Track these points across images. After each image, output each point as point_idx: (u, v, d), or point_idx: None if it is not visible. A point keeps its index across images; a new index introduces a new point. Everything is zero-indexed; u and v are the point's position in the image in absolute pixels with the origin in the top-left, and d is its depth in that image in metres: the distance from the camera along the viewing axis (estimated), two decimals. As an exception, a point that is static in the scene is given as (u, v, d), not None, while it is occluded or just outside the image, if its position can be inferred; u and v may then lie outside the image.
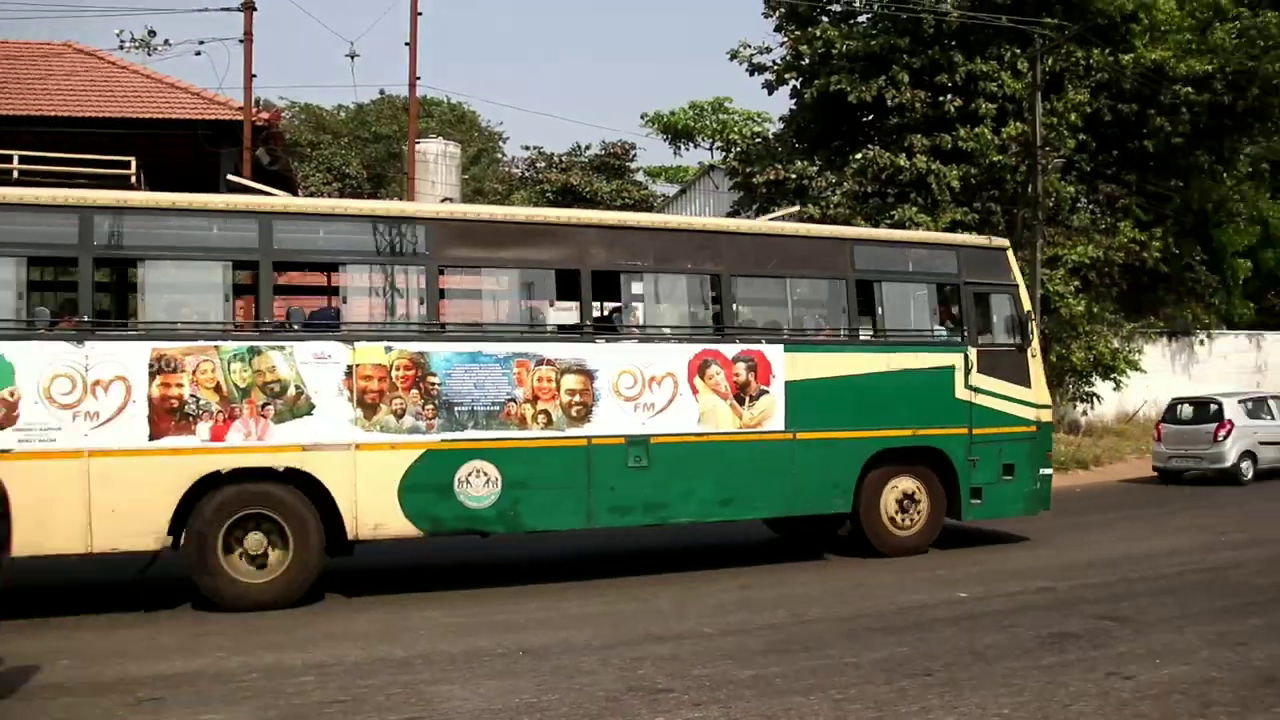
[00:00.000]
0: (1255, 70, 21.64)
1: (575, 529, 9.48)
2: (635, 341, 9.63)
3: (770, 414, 9.79)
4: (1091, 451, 19.67)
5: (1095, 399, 21.91)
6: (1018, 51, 21.21)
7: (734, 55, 24.20)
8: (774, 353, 9.87)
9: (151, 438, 8.13)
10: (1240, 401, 17.51)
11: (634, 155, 40.81)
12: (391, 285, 9.10)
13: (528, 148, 40.93)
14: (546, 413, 9.08)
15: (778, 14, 23.87)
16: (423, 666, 6.45)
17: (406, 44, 19.77)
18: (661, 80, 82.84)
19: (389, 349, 8.71)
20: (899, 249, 11.19)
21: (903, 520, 10.41)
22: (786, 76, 23.69)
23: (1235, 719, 5.31)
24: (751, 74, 24.21)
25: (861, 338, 10.45)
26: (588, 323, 9.42)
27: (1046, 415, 11.17)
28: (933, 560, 10.23)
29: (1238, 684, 5.89)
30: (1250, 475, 16.99)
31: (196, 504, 8.23)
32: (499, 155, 45.28)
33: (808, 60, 22.89)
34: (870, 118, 22.86)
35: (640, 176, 44.97)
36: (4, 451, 7.71)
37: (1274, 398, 18.14)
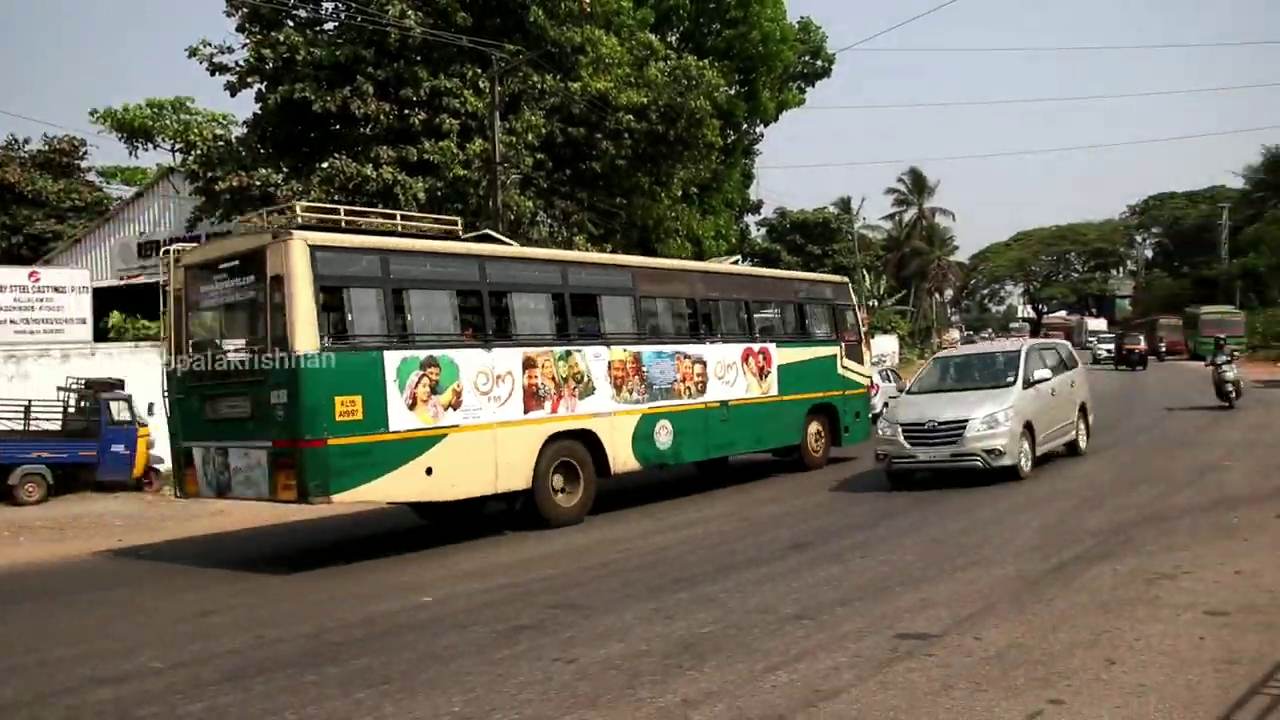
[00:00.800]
0: (683, 105, 24.42)
1: (697, 460, 15.42)
2: (721, 343, 15.03)
3: (773, 385, 15.85)
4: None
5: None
6: (479, 71, 22.13)
7: (193, 53, 22.74)
8: (772, 348, 15.96)
9: (524, 413, 12.00)
10: None
11: (85, 153, 37.34)
12: (617, 308, 13.69)
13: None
14: (689, 388, 14.31)
15: (240, 13, 22.86)
16: None
17: None
18: (116, 73, 76.05)
19: (624, 349, 13.37)
20: (813, 284, 18.32)
21: (817, 445, 16.90)
22: (249, 80, 22.76)
23: (658, 684, 5.94)
24: (213, 74, 22.97)
25: (801, 338, 16.87)
26: (701, 331, 14.86)
27: (868, 381, 18.66)
28: (404, 566, 10.42)
29: (663, 653, 6.59)
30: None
31: (540, 455, 12.12)
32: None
33: (271, 65, 22.18)
34: (337, 127, 22.66)
35: (93, 176, 41.26)
36: (455, 426, 11.13)
37: None
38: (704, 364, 14.47)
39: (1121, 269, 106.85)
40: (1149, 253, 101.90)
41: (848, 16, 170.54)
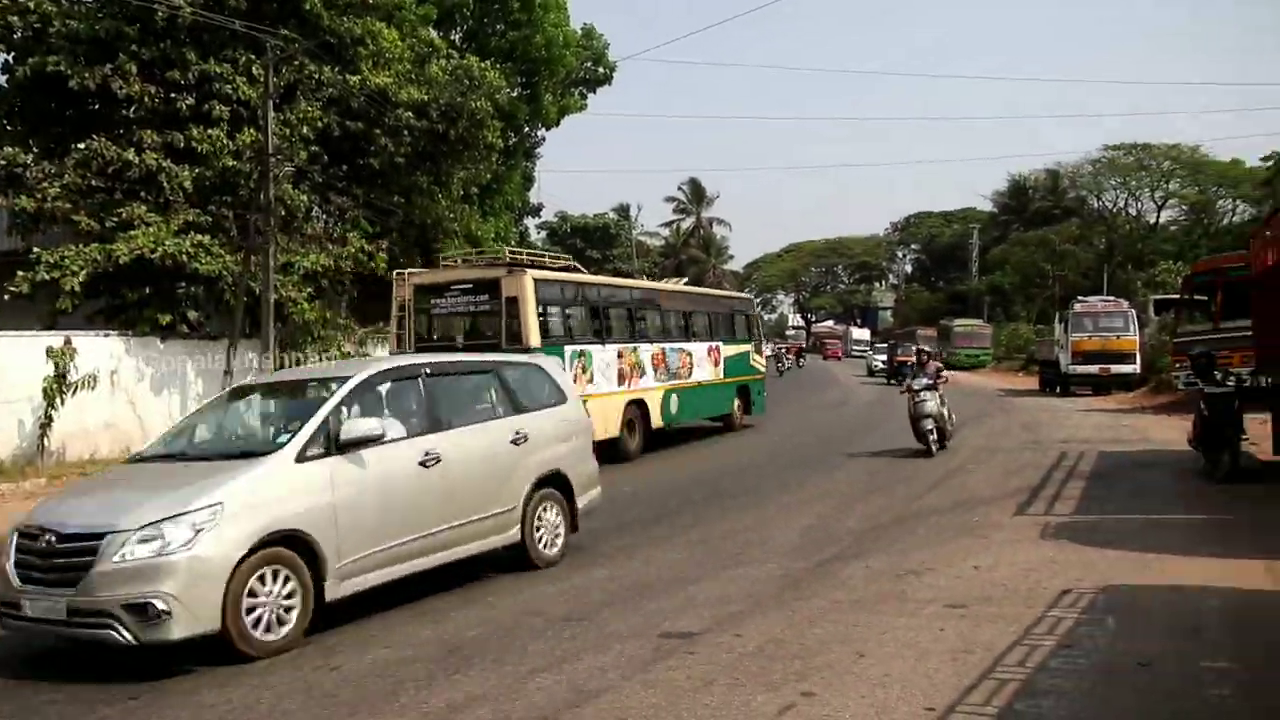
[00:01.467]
0: (464, 105, 24.25)
1: (686, 422, 21.01)
2: (698, 341, 21.07)
3: (722, 372, 22.09)
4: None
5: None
6: (253, 58, 21.27)
7: (-77, 15, 20.83)
8: (721, 345, 22.05)
9: (617, 386, 17.75)
10: None
11: None
12: (652, 318, 20.04)
13: None
14: (684, 372, 20.24)
15: (-19, -25, 21.02)
16: None
17: None
18: None
19: (657, 346, 19.32)
20: (739, 300, 26.84)
21: (739, 413, 23.15)
22: (-8, 49, 21.05)
23: (422, 689, 5.96)
24: (-53, 40, 21.06)
25: (734, 339, 23.15)
26: (691, 334, 21.01)
27: (764, 370, 25.94)
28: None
29: (429, 658, 6.60)
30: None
31: (624, 414, 17.69)
32: None
33: (20, 33, 20.60)
34: (97, 106, 21.26)
35: None
36: (591, 394, 15.94)
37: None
38: (691, 356, 20.70)
39: (884, 282, 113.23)
40: (908, 267, 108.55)
41: (632, 26, 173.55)
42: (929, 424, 17.30)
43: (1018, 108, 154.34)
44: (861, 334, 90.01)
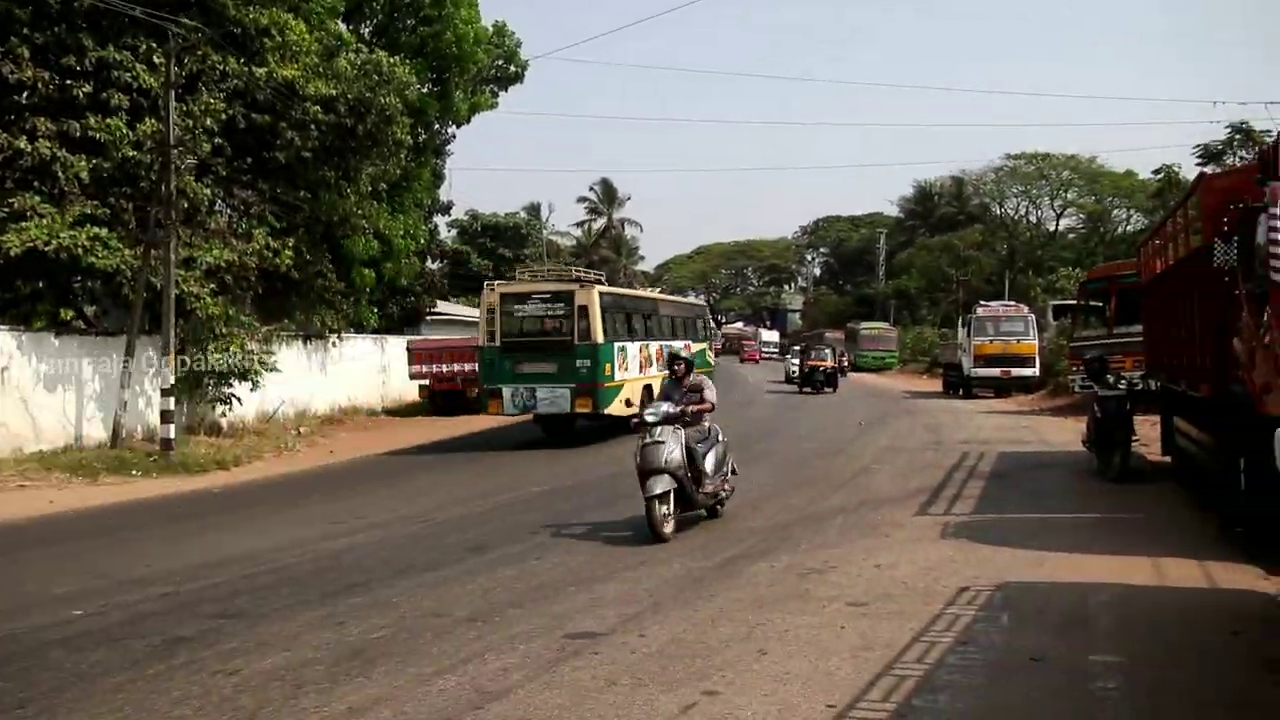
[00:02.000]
0: (373, 100, 23.90)
1: None
2: (681, 339, 25.30)
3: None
4: (232, 453, 19.83)
5: (235, 400, 22.27)
6: (154, 46, 20.68)
7: None
8: (692, 343, 25.20)
9: (639, 373, 22.21)
10: None
11: None
12: (653, 320, 24.89)
13: None
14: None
15: None
16: None
17: None
18: None
19: (657, 343, 23.59)
20: (698, 305, 36.69)
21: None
22: None
23: (324, 693, 5.89)
24: None
25: (697, 338, 28.48)
26: (675, 334, 26.11)
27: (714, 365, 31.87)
28: (56, 576, 9.61)
29: (331, 661, 6.52)
30: None
31: (641, 396, 20.88)
32: None
33: (-99, 14, 19.73)
34: (-13, 92, 20.48)
35: None
36: (627, 379, 21.42)
37: None
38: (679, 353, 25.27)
39: (793, 284, 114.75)
40: (817, 270, 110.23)
41: (545, 25, 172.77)
42: (662, 485, 10.15)
43: (925, 114, 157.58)
44: (771, 336, 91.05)
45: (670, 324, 26.59)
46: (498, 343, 21.10)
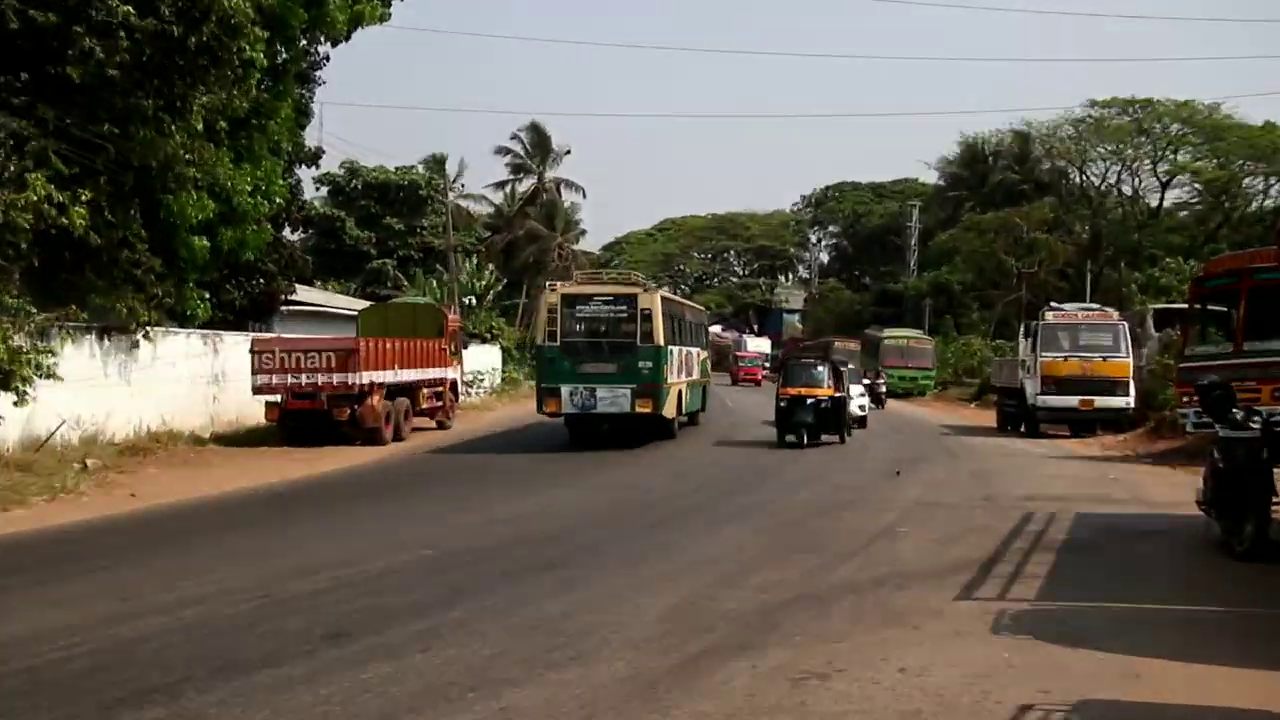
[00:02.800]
0: (210, 1, 23.38)
1: (693, 412, 37.08)
2: (694, 347, 36.19)
3: (702, 372, 37.93)
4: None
5: (-6, 417, 21.69)
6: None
7: None
8: (700, 350, 37.56)
9: (678, 377, 31.94)
10: None
11: None
12: (680, 327, 33.52)
13: None
14: (691, 371, 35.07)
15: None
16: None
17: None
18: None
19: (686, 348, 34.01)
20: (699, 312, 44.07)
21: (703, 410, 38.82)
22: None
23: None
24: None
25: (699, 345, 37.98)
26: (695, 340, 36.99)
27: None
28: None
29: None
30: None
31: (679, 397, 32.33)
32: None
33: None
34: None
35: None
36: (676, 381, 31.51)
37: None
38: (693, 357, 34.34)
39: (791, 275, 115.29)
40: (824, 256, 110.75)
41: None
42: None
43: (977, 41, 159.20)
44: (759, 344, 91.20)
45: (691, 330, 35.79)
46: (558, 342, 29.09)
